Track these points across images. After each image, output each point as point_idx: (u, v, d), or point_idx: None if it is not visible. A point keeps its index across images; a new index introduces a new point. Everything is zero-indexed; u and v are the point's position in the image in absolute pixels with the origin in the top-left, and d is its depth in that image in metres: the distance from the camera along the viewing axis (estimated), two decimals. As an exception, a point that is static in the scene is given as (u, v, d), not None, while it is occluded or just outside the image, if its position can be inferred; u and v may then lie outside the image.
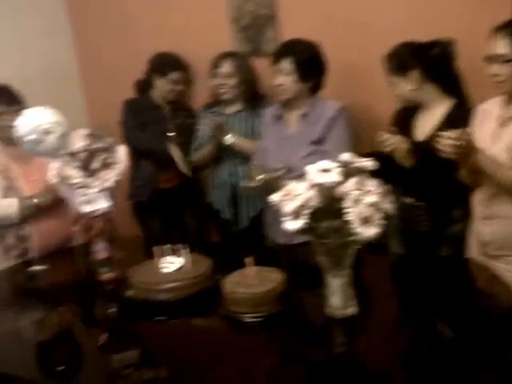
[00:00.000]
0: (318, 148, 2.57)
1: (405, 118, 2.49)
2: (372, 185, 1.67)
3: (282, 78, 2.59)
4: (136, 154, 3.16)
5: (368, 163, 1.68)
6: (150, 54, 3.41)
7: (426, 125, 2.42)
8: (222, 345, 1.84)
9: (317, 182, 1.63)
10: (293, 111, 2.67)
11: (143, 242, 3.19)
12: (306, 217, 1.63)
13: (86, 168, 2.16)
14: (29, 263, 2.64)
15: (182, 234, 3.38)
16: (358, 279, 1.80)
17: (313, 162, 2.39)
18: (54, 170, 2.18)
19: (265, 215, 2.87)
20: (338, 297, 1.76)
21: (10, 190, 2.68)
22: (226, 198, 3.17)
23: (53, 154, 2.19)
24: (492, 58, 2.04)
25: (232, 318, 1.87)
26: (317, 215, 1.66)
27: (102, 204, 2.18)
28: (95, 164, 2.17)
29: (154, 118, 3.33)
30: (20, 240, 2.70)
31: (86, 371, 1.80)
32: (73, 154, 2.16)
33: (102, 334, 2.01)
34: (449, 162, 2.08)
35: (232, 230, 3.21)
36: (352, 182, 1.64)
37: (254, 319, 1.83)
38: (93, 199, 2.16)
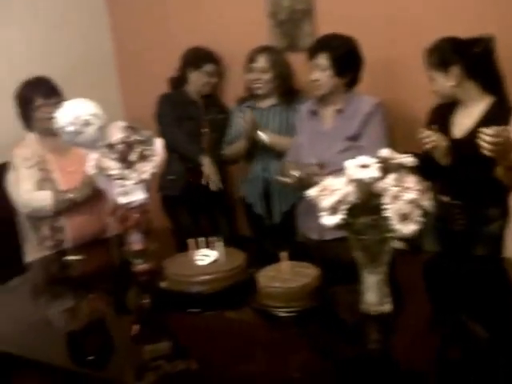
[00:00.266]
0: (354, 144, 2.55)
1: (442, 115, 2.46)
2: (411, 181, 1.65)
3: (318, 74, 2.57)
4: (170, 148, 3.18)
5: (408, 159, 1.67)
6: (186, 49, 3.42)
7: (463, 122, 2.39)
8: (255, 339, 1.85)
9: (355, 178, 1.63)
10: (328, 107, 2.65)
11: (173, 234, 3.22)
12: (343, 212, 1.63)
13: (124, 160, 2.19)
14: (63, 253, 2.69)
15: (212, 227, 3.40)
16: (393, 277, 1.79)
17: (348, 158, 2.38)
18: (92, 161, 2.21)
19: (297, 210, 2.86)
20: (373, 293, 1.75)
21: (45, 182, 2.72)
22: (259, 192, 3.18)
23: (91, 145, 2.22)
24: None
25: (265, 312, 1.87)
26: (354, 211, 1.65)
27: (139, 196, 2.20)
28: (133, 156, 2.19)
29: (189, 114, 3.34)
30: (54, 231, 2.74)
31: (117, 361, 1.82)
32: (111, 146, 2.19)
33: (134, 324, 2.03)
34: (486, 160, 2.05)
35: (263, 224, 3.21)
36: (391, 178, 1.63)
37: (288, 314, 1.83)
38: (130, 191, 2.18)
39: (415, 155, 1.72)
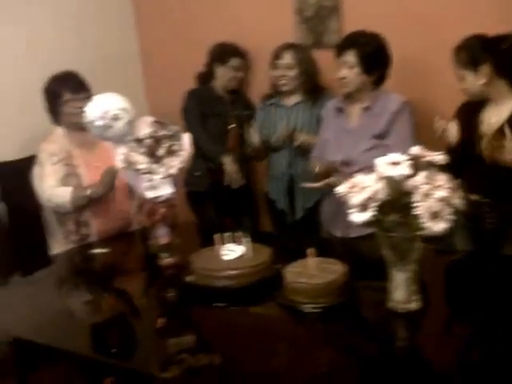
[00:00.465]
0: (380, 142, 2.54)
1: (470, 112, 2.44)
2: (442, 179, 1.64)
3: (346, 71, 2.57)
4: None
5: (438, 157, 1.66)
6: (212, 45, 3.43)
7: (492, 120, 2.37)
8: (280, 334, 1.85)
9: (386, 175, 1.62)
10: (355, 104, 2.64)
11: (198, 229, 3.23)
12: (373, 209, 1.62)
13: (152, 154, 2.20)
14: (89, 247, 2.71)
15: (236, 222, 3.41)
16: (422, 275, 1.78)
17: (374, 156, 2.38)
18: (120, 155, 2.22)
19: (321, 207, 2.86)
20: (401, 291, 1.75)
21: (71, 177, 2.74)
22: (283, 188, 3.18)
23: (120, 139, 2.23)
24: None
25: (291, 308, 1.88)
26: (384, 208, 1.65)
27: (166, 190, 2.21)
28: (160, 151, 2.20)
29: (215, 110, 3.35)
30: (79, 225, 2.76)
31: (142, 353, 1.84)
32: (139, 141, 2.20)
33: (159, 317, 2.04)
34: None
35: (286, 220, 3.21)
36: (422, 176, 1.62)
37: (314, 310, 1.83)
38: (157, 185, 2.19)
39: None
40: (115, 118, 2.18)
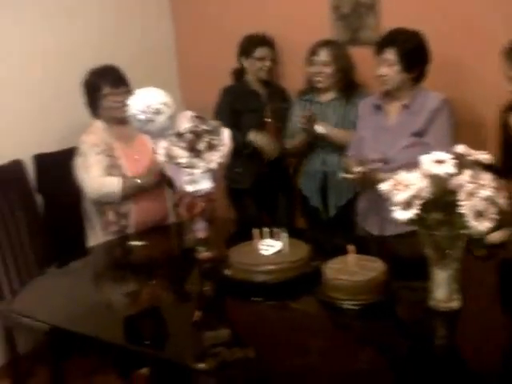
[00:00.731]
0: (418, 140, 2.53)
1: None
2: (486, 178, 1.64)
3: (386, 69, 2.55)
4: None
5: (484, 156, 1.65)
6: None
7: None
8: (317, 330, 1.86)
9: (431, 173, 1.62)
10: (393, 101, 2.63)
11: (234, 223, 3.25)
12: (417, 207, 1.62)
13: (192, 149, 2.22)
14: (126, 238, 2.75)
15: (272, 218, 3.42)
16: (464, 274, 1.78)
17: (412, 155, 2.37)
18: (161, 149, 2.25)
19: (356, 205, 2.86)
20: (442, 290, 1.75)
21: (113, 168, 2.78)
22: (316, 186, 3.18)
23: (161, 133, 2.26)
24: None
25: (330, 304, 1.88)
26: (428, 206, 1.64)
27: (206, 184, 2.23)
28: (201, 145, 2.22)
29: (251, 106, 3.34)
30: (119, 217, 2.80)
31: (177, 345, 1.86)
32: (180, 135, 2.22)
33: (196, 310, 2.06)
34: None
35: (319, 218, 3.21)
36: (467, 175, 1.62)
37: (354, 307, 1.83)
38: (197, 179, 2.22)
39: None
40: (157, 112, 2.21)
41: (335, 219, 3.14)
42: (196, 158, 2.21)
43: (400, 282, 1.96)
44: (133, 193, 2.75)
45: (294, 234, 2.24)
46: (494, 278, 2.15)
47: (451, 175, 1.62)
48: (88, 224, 2.93)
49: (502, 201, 1.63)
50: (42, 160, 3.18)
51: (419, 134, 2.54)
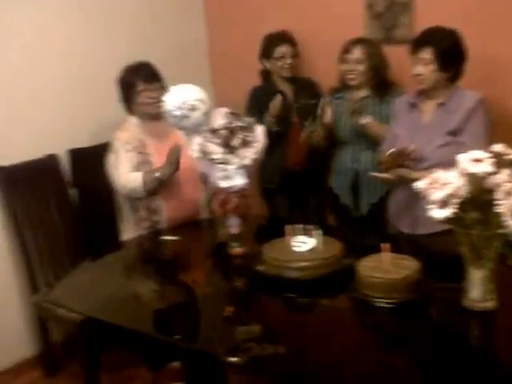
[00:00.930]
0: (454, 139, 2.51)
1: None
2: (525, 178, 1.62)
3: (422, 68, 2.53)
4: None
5: (523, 155, 1.64)
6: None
7: None
8: (350, 327, 1.86)
9: (468, 172, 1.61)
10: (429, 100, 2.61)
11: (267, 220, 3.26)
12: (454, 206, 1.62)
13: (227, 145, 2.24)
14: (158, 233, 2.77)
15: (303, 216, 3.42)
16: (499, 273, 1.76)
17: (446, 153, 2.36)
18: (196, 145, 2.27)
19: (388, 203, 2.85)
20: (477, 289, 1.73)
21: (144, 165, 2.80)
22: (347, 183, 3.17)
23: (195, 129, 2.28)
24: None
25: (363, 302, 1.88)
26: (464, 205, 1.63)
27: (239, 181, 2.24)
28: (235, 141, 2.24)
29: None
30: (151, 212, 2.83)
31: (208, 339, 1.88)
32: (214, 131, 2.24)
33: (228, 305, 2.08)
34: None
35: (349, 216, 3.20)
36: (505, 174, 1.61)
37: (387, 305, 1.83)
38: (231, 175, 2.23)
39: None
40: (192, 108, 2.23)
41: (366, 217, 3.13)
42: (230, 154, 2.23)
43: (434, 281, 1.95)
44: (154, 186, 2.75)
45: (326, 231, 2.25)
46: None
47: (489, 174, 1.60)
48: (121, 218, 2.96)
49: (540, 201, 1.61)
50: (76, 154, 3.23)
51: (454, 132, 2.52)
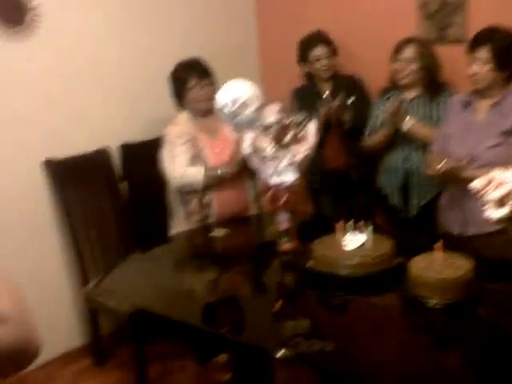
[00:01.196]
0: (507, 140, 2.46)
1: None
2: None
3: (478, 67, 2.50)
4: None
5: None
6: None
7: None
8: (399, 326, 1.85)
9: (527, 171, 1.59)
10: (483, 99, 2.57)
11: (314, 216, 3.26)
12: (511, 206, 1.59)
13: (278, 141, 2.25)
14: (208, 228, 2.81)
15: (350, 215, 3.40)
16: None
17: (498, 154, 2.33)
18: (247, 141, 2.29)
19: (438, 203, 2.81)
20: (533, 292, 1.71)
21: (197, 159, 2.84)
22: (397, 183, 3.14)
23: (247, 125, 2.30)
24: None
25: (413, 301, 1.87)
26: (522, 205, 1.61)
27: (290, 177, 2.25)
28: (286, 138, 2.25)
29: (317, 107, 3.28)
30: (202, 206, 2.86)
31: (257, 333, 1.90)
32: (266, 127, 2.25)
33: (277, 300, 2.09)
34: None
35: (399, 216, 3.17)
36: None
37: (439, 305, 1.81)
38: (282, 171, 2.24)
39: None
40: (245, 104, 2.25)
41: (416, 218, 3.09)
42: (281, 150, 2.24)
43: (486, 281, 1.93)
44: (214, 183, 2.80)
45: (375, 230, 2.24)
46: None
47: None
48: (171, 212, 3.01)
49: None
50: (128, 149, 3.28)
51: (508, 133, 2.47)
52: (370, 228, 2.13)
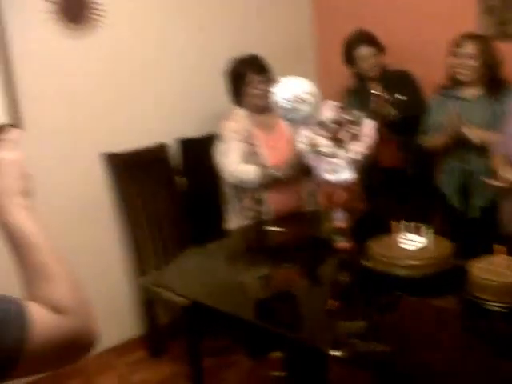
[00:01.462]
0: None
1: None
2: None
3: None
4: None
5: None
6: (388, 34, 3.36)
7: None
8: (457, 329, 1.81)
9: None
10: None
11: (371, 215, 3.21)
12: None
13: (334, 138, 2.22)
14: (262, 224, 2.81)
15: (408, 215, 3.34)
16: None
17: None
18: (303, 137, 2.27)
19: (500, 206, 2.71)
20: None
21: (252, 156, 2.85)
22: (456, 184, 3.05)
23: (304, 122, 2.28)
24: None
25: (473, 304, 1.82)
26: None
27: (346, 174, 2.22)
28: (343, 135, 2.22)
29: (368, 106, 3.20)
30: (256, 202, 2.87)
31: (311, 331, 1.88)
32: (322, 124, 2.23)
33: (331, 299, 2.08)
34: None
35: (459, 218, 3.08)
36: None
37: (499, 309, 1.76)
38: (338, 169, 2.22)
39: None
40: (302, 100, 2.24)
41: (477, 220, 3.00)
42: (338, 147, 2.22)
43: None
44: (268, 183, 2.80)
45: (434, 230, 2.19)
46: None
47: None
48: (226, 207, 3.02)
49: None
50: (186, 144, 3.31)
51: None
52: (429, 229, 2.08)
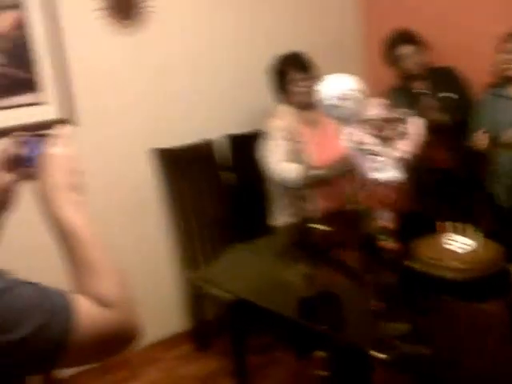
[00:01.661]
0: None
1: None
2: None
3: None
4: None
5: None
6: (434, 31, 3.30)
7: None
8: (502, 335, 1.76)
9: None
10: None
11: (417, 216, 3.16)
12: None
13: (379, 136, 2.20)
14: (307, 221, 2.80)
15: (455, 215, 3.28)
16: None
17: None
18: (347, 134, 2.25)
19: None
20: None
21: (296, 153, 2.84)
22: (507, 185, 2.98)
23: (348, 119, 2.26)
24: None
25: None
26: None
27: (391, 173, 2.19)
28: (388, 133, 2.19)
29: (414, 106, 3.18)
30: (300, 200, 2.86)
31: (354, 332, 1.87)
32: (368, 121, 2.21)
33: (376, 299, 2.05)
34: None
35: (508, 218, 3.01)
36: None
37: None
38: (382, 167, 2.18)
39: None
40: (347, 97, 2.21)
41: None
42: (383, 145, 2.19)
43: None
44: (312, 183, 2.79)
45: (483, 232, 2.14)
46: None
47: None
48: (272, 204, 3.03)
49: None
50: (235, 140, 3.33)
51: None
52: (478, 231, 2.03)
